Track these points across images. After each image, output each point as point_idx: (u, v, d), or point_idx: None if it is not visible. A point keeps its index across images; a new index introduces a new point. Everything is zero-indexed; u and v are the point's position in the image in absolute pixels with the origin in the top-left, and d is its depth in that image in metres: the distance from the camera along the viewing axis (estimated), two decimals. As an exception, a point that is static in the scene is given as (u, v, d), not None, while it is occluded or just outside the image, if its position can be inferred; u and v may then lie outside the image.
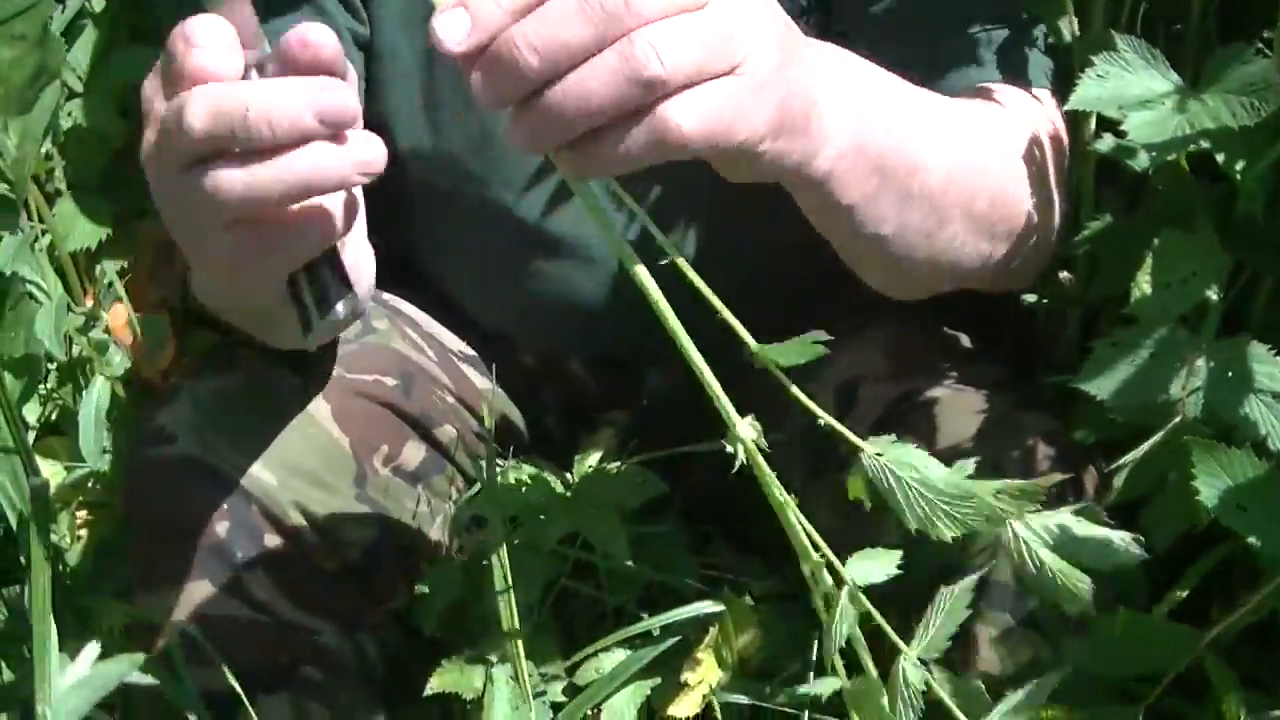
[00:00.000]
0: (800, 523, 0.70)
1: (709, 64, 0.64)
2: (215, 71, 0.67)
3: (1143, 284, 0.97)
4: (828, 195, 0.79)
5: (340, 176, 0.66)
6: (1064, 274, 1.11)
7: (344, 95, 0.66)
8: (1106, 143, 1.04)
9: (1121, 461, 0.94)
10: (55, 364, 1.19)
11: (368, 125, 0.70)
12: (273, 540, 1.00)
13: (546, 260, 1.11)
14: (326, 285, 0.74)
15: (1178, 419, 0.93)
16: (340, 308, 0.73)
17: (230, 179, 0.66)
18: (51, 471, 1.17)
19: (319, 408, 1.04)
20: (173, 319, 1.23)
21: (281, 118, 0.65)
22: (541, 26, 0.60)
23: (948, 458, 0.98)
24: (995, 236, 0.93)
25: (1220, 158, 0.95)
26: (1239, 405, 0.91)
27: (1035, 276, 1.05)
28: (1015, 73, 1.01)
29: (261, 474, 1.00)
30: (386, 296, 1.17)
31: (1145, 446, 0.93)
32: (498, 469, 1.08)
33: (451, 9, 0.61)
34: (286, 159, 0.65)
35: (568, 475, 1.11)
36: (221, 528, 0.99)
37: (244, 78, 0.68)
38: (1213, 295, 0.96)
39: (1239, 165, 0.95)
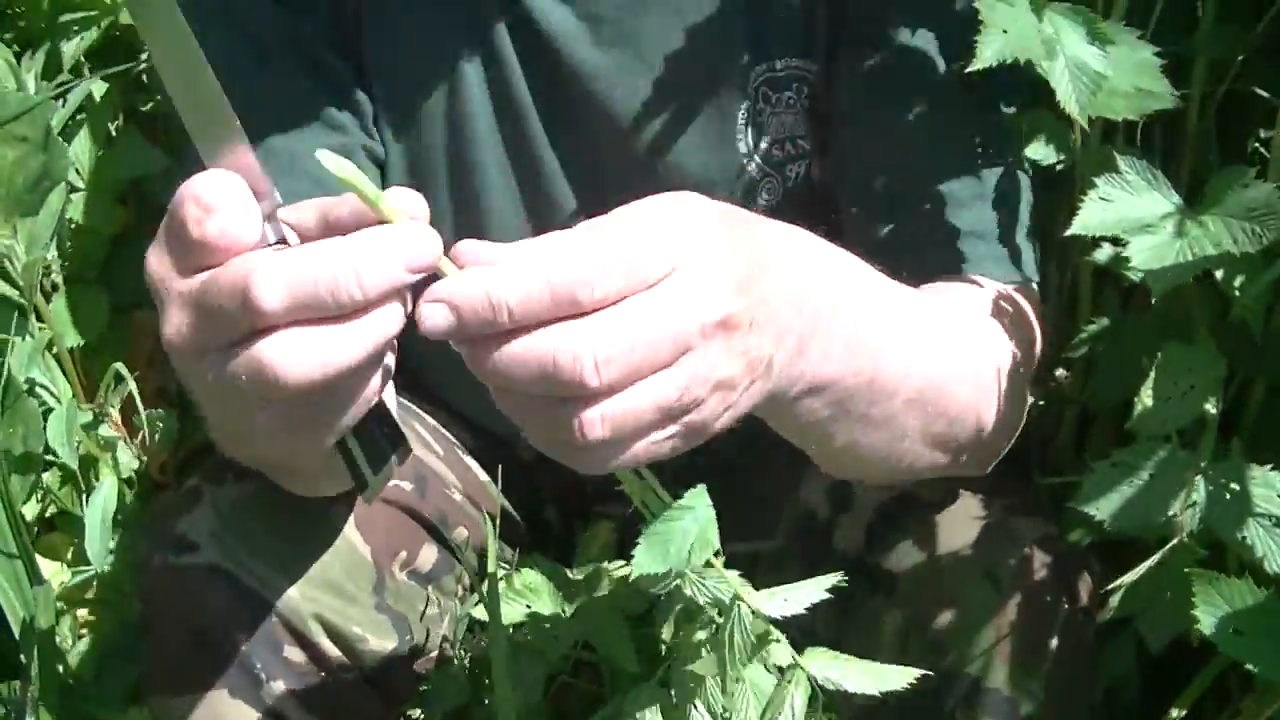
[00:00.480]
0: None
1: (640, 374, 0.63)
2: (239, 239, 0.61)
3: (1145, 399, 0.99)
4: (775, 416, 0.80)
5: (405, 315, 0.62)
6: (1060, 372, 1.14)
7: (430, 239, 0.62)
8: (1104, 253, 1.07)
9: (1118, 583, 0.97)
10: (56, 462, 1.20)
11: None
12: (293, 652, 1.03)
13: None
14: (378, 439, 0.70)
15: (1175, 540, 0.96)
16: (395, 459, 0.70)
17: (305, 352, 0.60)
18: (53, 572, 1.19)
19: (342, 516, 1.07)
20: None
21: (375, 279, 0.60)
22: (502, 362, 0.61)
23: (945, 566, 1.04)
24: (950, 450, 0.94)
25: (1219, 274, 0.98)
26: (1237, 527, 0.95)
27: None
28: (997, 256, 1.02)
29: (284, 585, 1.02)
30: (389, 391, 1.19)
31: (1141, 569, 0.97)
32: (503, 571, 1.11)
33: (440, 304, 0.62)
34: (371, 320, 0.61)
35: (569, 573, 1.14)
36: (242, 639, 1.02)
37: (265, 241, 0.63)
38: (1211, 408, 0.99)
39: (1237, 282, 0.99)
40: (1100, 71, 0.98)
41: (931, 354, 0.89)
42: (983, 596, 1.01)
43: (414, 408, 1.20)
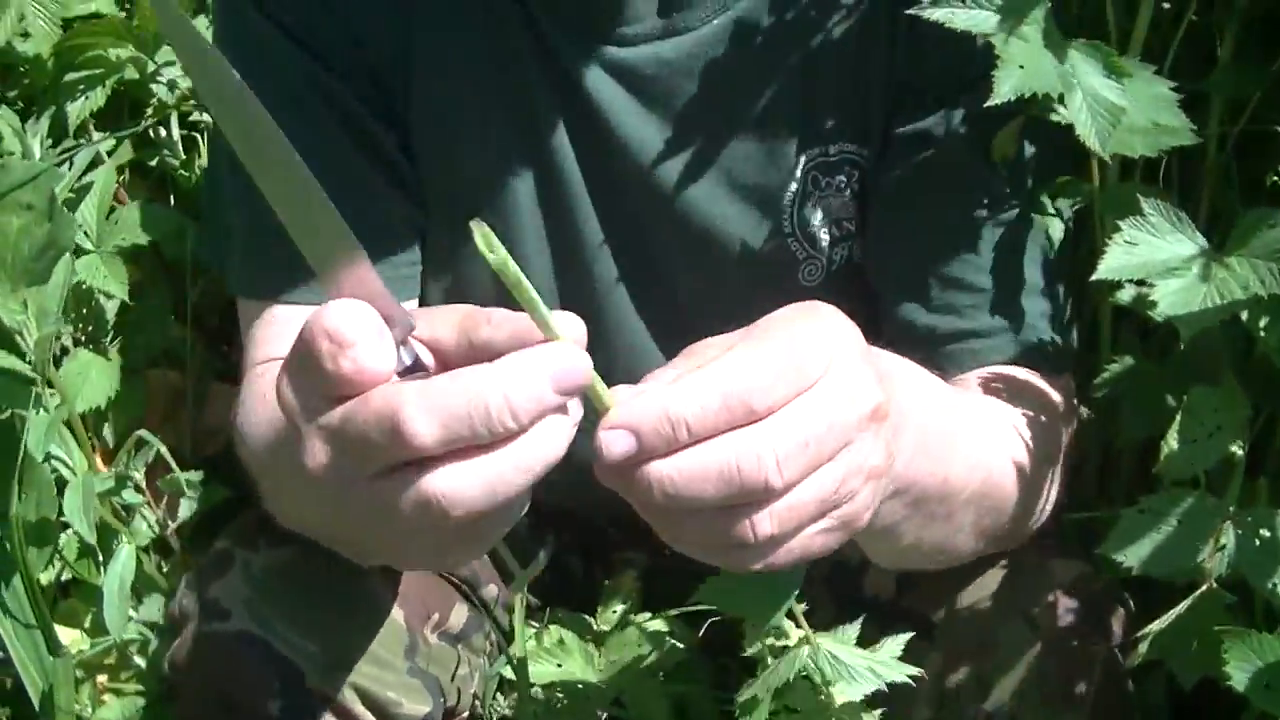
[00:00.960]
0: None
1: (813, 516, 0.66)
2: (377, 372, 0.60)
3: (1171, 442, 0.99)
4: None
5: (570, 435, 0.62)
6: (1082, 410, 1.14)
7: (580, 358, 0.61)
8: (1128, 294, 1.06)
9: (1146, 630, 0.97)
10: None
11: None
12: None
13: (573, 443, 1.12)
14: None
15: (1204, 587, 0.96)
16: (543, 554, 0.70)
17: (466, 481, 0.59)
18: (72, 640, 1.17)
19: (375, 581, 1.06)
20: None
21: (525, 403, 0.59)
22: (681, 478, 0.62)
23: (981, 609, 1.04)
24: (991, 538, 0.97)
25: (1244, 314, 0.97)
26: (1268, 575, 0.94)
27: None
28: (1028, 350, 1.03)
29: (317, 652, 1.02)
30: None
31: (1170, 616, 0.96)
32: (530, 629, 1.10)
33: (619, 430, 0.62)
34: (528, 443, 0.60)
35: (593, 623, 1.13)
36: (274, 706, 1.01)
37: (400, 365, 0.61)
38: (1237, 450, 0.99)
39: (1263, 322, 0.98)
40: (1118, 104, 0.97)
41: (986, 453, 0.91)
42: (1019, 639, 1.02)
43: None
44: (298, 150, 0.60)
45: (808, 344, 0.65)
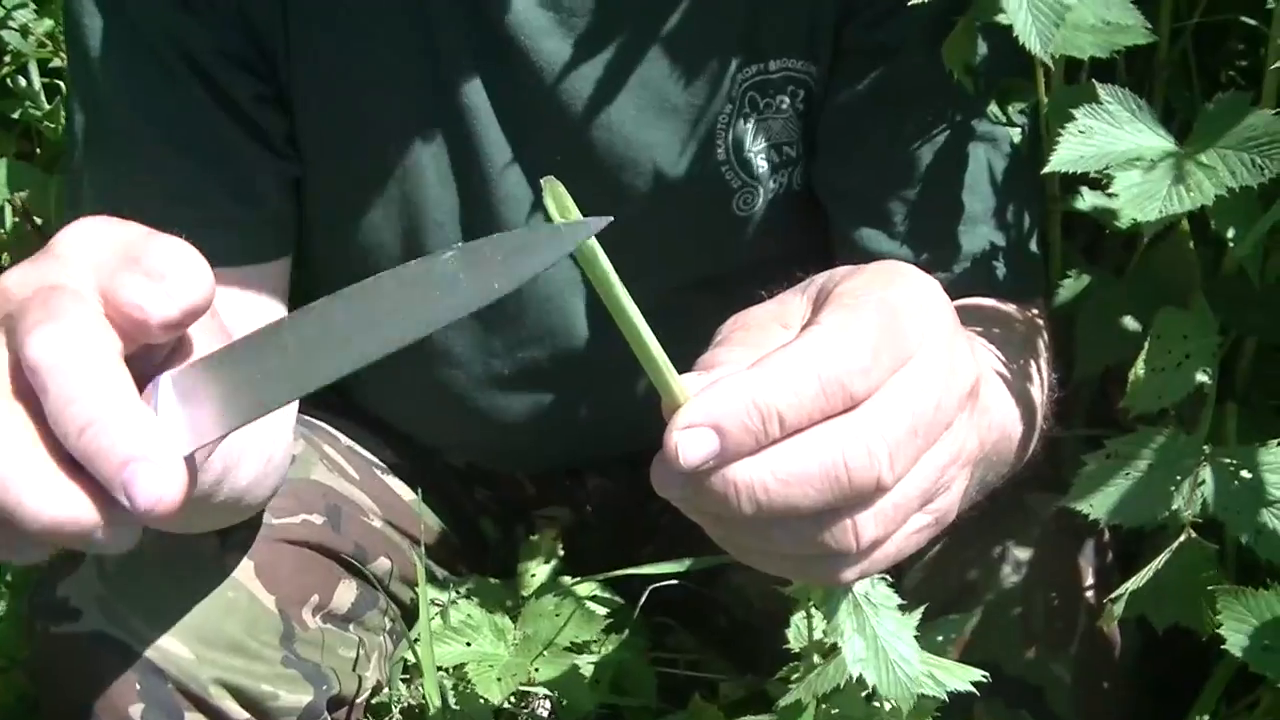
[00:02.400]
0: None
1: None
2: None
3: (1139, 370, 0.79)
4: None
5: None
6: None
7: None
8: (1087, 201, 0.86)
9: (1122, 589, 0.77)
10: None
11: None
12: (194, 719, 0.83)
13: (483, 395, 0.92)
14: None
15: (1182, 538, 0.75)
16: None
17: None
18: (-61, 644, 0.96)
19: (241, 566, 0.87)
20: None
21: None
22: (776, 483, 0.45)
23: (954, 546, 0.86)
24: (987, 490, 0.76)
25: (1213, 222, 0.77)
26: (1249, 523, 0.74)
27: None
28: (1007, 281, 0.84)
29: (176, 649, 0.83)
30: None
31: (1147, 573, 0.75)
32: (438, 606, 0.88)
33: (698, 429, 0.44)
34: None
35: (514, 593, 0.92)
36: (135, 710, 0.82)
37: None
38: (1205, 378, 0.78)
39: (1231, 232, 0.77)
40: (1063, 0, 0.75)
41: (999, 407, 0.72)
42: (997, 583, 0.86)
43: (324, 426, 0.98)
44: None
45: (903, 314, 0.49)
